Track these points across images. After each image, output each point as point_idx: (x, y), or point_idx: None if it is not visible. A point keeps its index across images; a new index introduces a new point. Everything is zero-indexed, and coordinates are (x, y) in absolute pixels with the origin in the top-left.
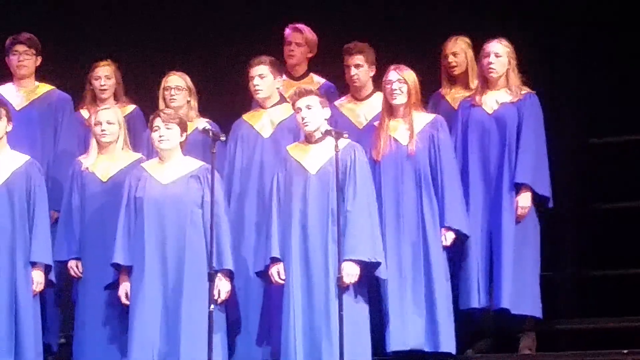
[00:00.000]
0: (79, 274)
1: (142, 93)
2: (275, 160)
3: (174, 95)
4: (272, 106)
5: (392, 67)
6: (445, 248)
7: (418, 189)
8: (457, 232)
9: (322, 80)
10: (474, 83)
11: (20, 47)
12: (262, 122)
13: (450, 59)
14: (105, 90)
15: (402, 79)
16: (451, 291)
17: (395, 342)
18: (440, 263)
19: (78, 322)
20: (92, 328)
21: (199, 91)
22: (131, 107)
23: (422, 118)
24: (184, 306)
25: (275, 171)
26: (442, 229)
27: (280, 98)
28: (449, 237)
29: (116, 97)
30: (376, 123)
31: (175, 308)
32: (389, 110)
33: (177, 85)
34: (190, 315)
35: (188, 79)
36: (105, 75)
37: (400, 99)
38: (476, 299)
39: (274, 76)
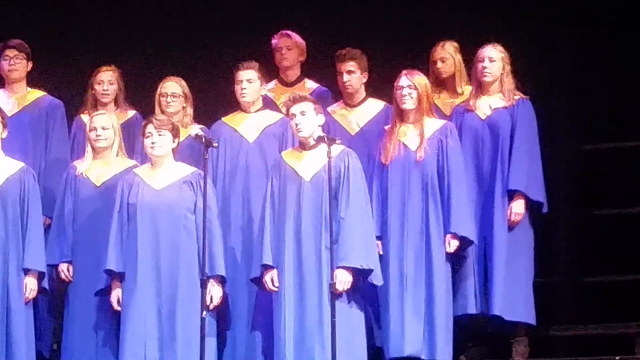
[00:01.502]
0: (69, 278)
1: (141, 98)
2: (261, 165)
3: (169, 102)
4: (256, 111)
5: (403, 71)
6: (447, 255)
7: (424, 196)
8: (463, 239)
9: (315, 86)
10: (462, 87)
11: (11, 52)
12: (245, 126)
13: (439, 64)
14: (107, 95)
15: (413, 85)
16: (452, 299)
17: (394, 348)
18: (442, 271)
19: (67, 326)
20: (81, 333)
21: (195, 97)
22: (131, 113)
23: (433, 124)
24: (179, 312)
25: (269, 176)
26: (448, 236)
27: (263, 105)
28: (452, 244)
29: (117, 103)
30: (387, 127)
31: (169, 314)
32: (400, 115)
33: (172, 92)
34: (185, 321)
35: (185, 85)
36: (108, 80)
37: (409, 104)
38: (473, 305)
39: (261, 82)
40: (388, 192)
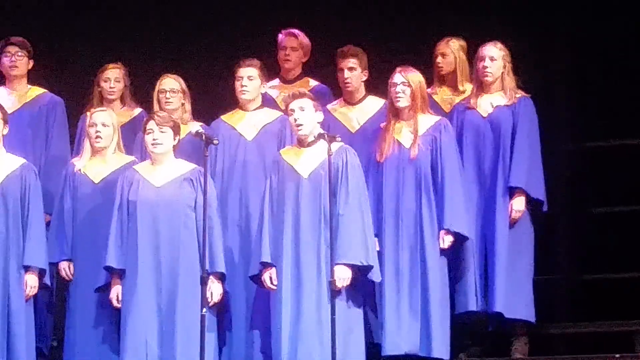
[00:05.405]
0: (70, 276)
1: (141, 96)
2: (259, 163)
3: (169, 98)
4: (254, 110)
5: (398, 69)
6: (444, 251)
7: (418, 193)
8: (457, 235)
9: (315, 83)
10: (463, 85)
11: (12, 49)
12: (244, 124)
13: (439, 59)
14: (113, 92)
15: (406, 82)
16: (448, 296)
17: (390, 346)
18: (437, 267)
19: (68, 323)
20: (82, 330)
21: (194, 95)
22: (137, 111)
23: (427, 120)
24: (179, 309)
25: (268, 174)
26: (441, 232)
27: (261, 103)
28: (446, 240)
29: (123, 101)
30: (382, 125)
31: (170, 311)
32: (394, 112)
33: (172, 88)
34: (185, 318)
35: (182, 81)
36: (114, 78)
37: (403, 102)
38: (474, 302)
39: (261, 81)
40: (383, 190)
